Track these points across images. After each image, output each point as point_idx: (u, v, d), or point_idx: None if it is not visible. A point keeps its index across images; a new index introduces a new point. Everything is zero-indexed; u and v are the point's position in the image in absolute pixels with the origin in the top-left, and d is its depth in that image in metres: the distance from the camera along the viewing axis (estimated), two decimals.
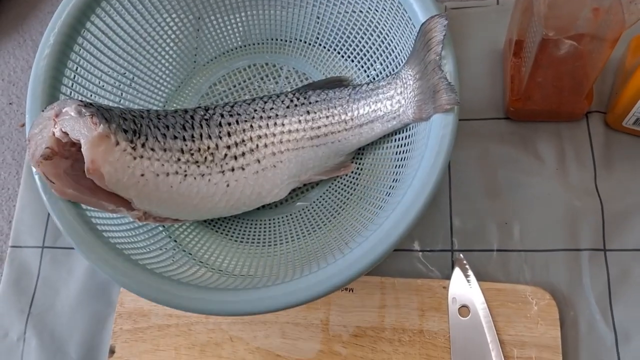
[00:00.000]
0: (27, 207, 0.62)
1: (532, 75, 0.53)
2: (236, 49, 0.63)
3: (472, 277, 0.54)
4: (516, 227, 0.56)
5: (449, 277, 0.54)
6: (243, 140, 0.50)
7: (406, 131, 0.52)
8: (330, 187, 0.56)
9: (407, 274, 0.56)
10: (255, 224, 0.56)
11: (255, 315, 0.54)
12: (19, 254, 0.60)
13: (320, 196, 0.56)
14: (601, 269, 0.54)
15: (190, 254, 0.53)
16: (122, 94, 0.57)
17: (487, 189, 0.57)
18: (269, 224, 0.56)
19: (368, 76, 0.58)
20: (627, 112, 0.54)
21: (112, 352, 0.55)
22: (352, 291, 0.55)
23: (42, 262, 0.60)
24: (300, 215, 0.56)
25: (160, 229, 0.54)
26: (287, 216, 0.56)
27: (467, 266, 0.54)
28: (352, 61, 0.59)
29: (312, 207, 0.56)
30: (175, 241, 0.54)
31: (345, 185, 0.56)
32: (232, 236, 0.55)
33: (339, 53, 0.60)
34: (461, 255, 0.55)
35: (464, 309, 0.53)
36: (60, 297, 0.59)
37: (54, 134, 0.41)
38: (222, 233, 0.55)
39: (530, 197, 0.56)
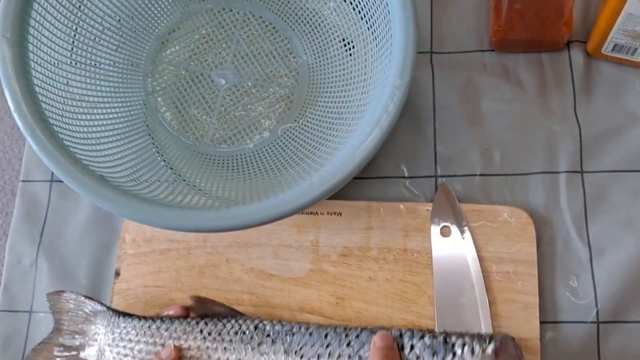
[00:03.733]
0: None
1: (511, 2, 0.54)
2: None
3: (454, 199, 0.56)
4: (497, 152, 0.58)
5: (430, 200, 0.57)
6: None
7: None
8: (300, 128, 0.60)
9: (394, 200, 0.58)
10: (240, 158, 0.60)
11: (249, 238, 0.58)
12: (29, 187, 0.64)
13: (296, 135, 0.60)
14: (578, 190, 0.56)
15: (184, 180, 0.57)
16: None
17: (470, 117, 0.59)
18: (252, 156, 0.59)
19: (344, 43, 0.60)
20: (605, 38, 0.55)
21: (117, 274, 0.59)
22: (340, 215, 0.58)
23: (51, 195, 0.64)
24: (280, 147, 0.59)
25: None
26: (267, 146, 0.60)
27: (449, 189, 0.57)
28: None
29: (285, 144, 0.60)
30: (172, 169, 0.58)
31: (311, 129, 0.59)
32: (220, 163, 0.59)
33: None
34: (444, 179, 0.58)
35: (446, 229, 0.56)
36: (68, 226, 0.62)
37: None
38: (213, 161, 0.60)
39: (511, 124, 0.59)
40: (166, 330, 0.52)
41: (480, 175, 0.58)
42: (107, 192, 0.47)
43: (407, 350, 0.46)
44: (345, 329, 0.50)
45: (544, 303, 0.53)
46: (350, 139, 0.49)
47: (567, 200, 0.56)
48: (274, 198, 0.46)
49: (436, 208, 0.56)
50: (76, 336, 0.54)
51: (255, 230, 0.58)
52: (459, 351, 0.45)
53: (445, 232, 0.56)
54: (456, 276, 0.54)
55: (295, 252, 0.58)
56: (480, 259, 0.54)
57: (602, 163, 0.56)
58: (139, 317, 0.53)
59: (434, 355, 0.45)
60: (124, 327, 0.53)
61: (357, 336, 0.48)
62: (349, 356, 0.47)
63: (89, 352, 0.53)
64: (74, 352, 0.53)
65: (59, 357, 0.54)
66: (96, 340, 0.53)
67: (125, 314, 0.54)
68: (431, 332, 0.48)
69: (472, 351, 0.45)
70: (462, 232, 0.55)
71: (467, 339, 0.46)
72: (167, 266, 0.59)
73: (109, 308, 0.54)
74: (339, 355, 0.48)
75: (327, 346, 0.48)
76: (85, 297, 0.55)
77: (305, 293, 0.56)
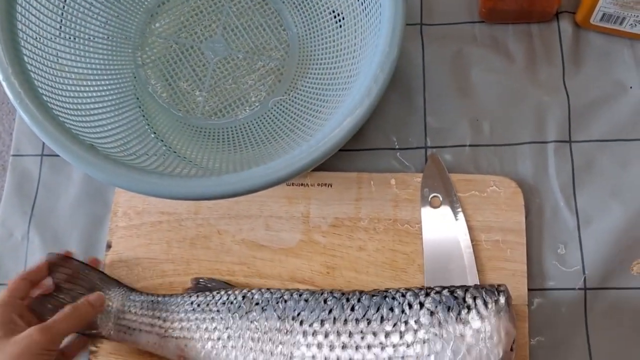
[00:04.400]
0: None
1: None
2: None
3: (444, 170, 0.57)
4: (487, 123, 0.58)
5: (420, 171, 0.58)
6: None
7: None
8: (289, 101, 0.60)
9: (384, 171, 0.59)
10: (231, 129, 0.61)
11: (240, 210, 0.58)
12: (20, 162, 0.64)
13: (286, 107, 0.61)
14: (566, 160, 0.56)
15: (175, 152, 0.58)
16: None
17: (460, 88, 0.60)
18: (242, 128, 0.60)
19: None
20: (594, 7, 0.56)
21: (109, 246, 0.59)
22: (331, 186, 0.58)
23: (41, 169, 0.63)
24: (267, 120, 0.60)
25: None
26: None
27: (439, 159, 0.57)
28: None
29: (275, 116, 0.61)
30: (162, 140, 0.58)
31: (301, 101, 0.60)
32: (211, 135, 0.60)
33: None
34: (434, 150, 0.58)
35: (436, 199, 0.56)
36: (60, 200, 0.62)
37: None
38: (203, 133, 0.60)
39: (501, 95, 0.59)
40: (164, 304, 0.53)
41: (470, 145, 0.58)
42: (97, 160, 0.47)
43: (415, 307, 0.46)
44: (343, 294, 0.50)
45: (532, 271, 0.54)
46: (339, 109, 0.49)
47: (556, 169, 0.56)
48: (264, 166, 0.47)
49: (426, 179, 0.57)
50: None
51: (246, 201, 0.58)
52: (472, 303, 0.46)
53: (435, 203, 0.56)
54: (445, 245, 0.54)
55: (286, 223, 0.58)
56: (470, 228, 0.55)
57: (590, 133, 0.57)
58: (146, 293, 0.55)
59: (449, 310, 0.46)
60: (133, 301, 0.54)
61: (359, 300, 0.48)
62: (357, 320, 0.47)
63: (100, 321, 0.54)
64: None
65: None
66: (109, 312, 0.54)
67: (132, 289, 0.56)
68: (430, 288, 0.48)
69: (485, 304, 0.45)
70: (451, 202, 0.56)
71: (474, 291, 0.47)
72: (158, 238, 0.59)
73: (121, 283, 0.56)
74: (345, 321, 0.47)
75: (330, 311, 0.48)
76: (98, 270, 0.57)
77: (296, 263, 0.57)
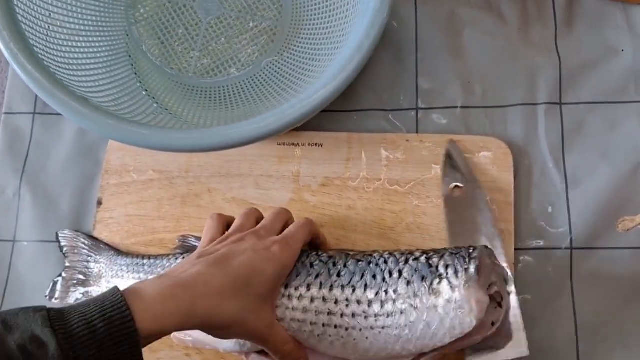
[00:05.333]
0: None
1: None
2: None
3: (463, 156, 0.56)
4: (478, 84, 0.58)
5: (411, 132, 0.58)
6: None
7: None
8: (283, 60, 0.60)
9: (375, 131, 0.59)
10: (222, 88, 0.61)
11: (231, 169, 0.58)
12: (12, 120, 0.64)
13: (278, 67, 0.61)
14: (556, 121, 0.57)
15: (166, 109, 0.58)
16: None
17: (452, 50, 0.60)
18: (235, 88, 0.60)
19: None
20: None
21: (99, 203, 0.59)
22: (322, 146, 0.58)
23: (34, 127, 0.64)
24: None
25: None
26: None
27: (457, 146, 0.56)
28: None
29: (268, 75, 0.61)
30: (154, 98, 0.58)
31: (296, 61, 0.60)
32: (203, 94, 0.60)
33: None
34: (425, 111, 0.58)
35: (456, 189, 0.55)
36: (51, 158, 0.62)
37: None
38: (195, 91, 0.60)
39: (493, 56, 0.59)
40: (149, 267, 0.54)
41: (461, 107, 0.58)
42: (88, 111, 0.47)
43: (395, 275, 0.46)
44: (330, 257, 0.49)
45: (519, 230, 0.54)
46: (331, 66, 0.50)
47: (546, 131, 0.56)
48: (254, 119, 0.47)
49: (446, 167, 0.56)
50: (84, 274, 0.57)
51: (236, 160, 0.58)
52: (443, 273, 0.45)
53: (455, 192, 0.55)
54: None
55: (276, 182, 0.58)
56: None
57: (581, 95, 0.57)
58: (134, 255, 0.56)
59: (422, 279, 0.45)
60: (120, 265, 0.55)
61: (345, 265, 0.48)
62: (342, 287, 0.47)
63: (96, 289, 0.56)
64: (80, 288, 0.57)
65: (71, 291, 0.57)
66: (101, 277, 0.56)
67: (120, 252, 0.57)
68: (411, 253, 0.48)
69: (456, 272, 0.45)
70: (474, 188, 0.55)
71: (447, 258, 0.46)
72: (149, 196, 0.59)
73: (110, 247, 0.57)
74: (332, 286, 0.47)
75: (317, 276, 0.48)
76: (90, 236, 0.58)
77: None
